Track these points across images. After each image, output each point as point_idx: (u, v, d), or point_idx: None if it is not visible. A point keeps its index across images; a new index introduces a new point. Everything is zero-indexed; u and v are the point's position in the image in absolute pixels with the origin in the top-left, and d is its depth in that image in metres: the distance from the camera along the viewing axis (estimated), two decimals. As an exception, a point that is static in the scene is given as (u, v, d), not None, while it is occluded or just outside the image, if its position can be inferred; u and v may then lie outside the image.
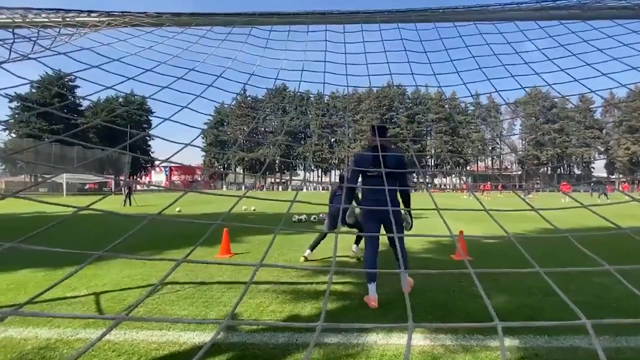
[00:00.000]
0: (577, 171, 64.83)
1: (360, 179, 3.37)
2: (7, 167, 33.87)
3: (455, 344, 2.29)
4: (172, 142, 1.24)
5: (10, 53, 1.57)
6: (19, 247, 0.63)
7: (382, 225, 3.27)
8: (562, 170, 65.04)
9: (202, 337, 2.40)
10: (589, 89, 1.67)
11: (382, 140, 3.25)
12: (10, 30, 1.76)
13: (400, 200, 3.21)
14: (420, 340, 2.34)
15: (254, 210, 13.77)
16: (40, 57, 1.49)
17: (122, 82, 1.39)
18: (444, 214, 0.96)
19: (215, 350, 2.17)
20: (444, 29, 1.99)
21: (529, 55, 1.93)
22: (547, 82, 1.76)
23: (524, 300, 3.20)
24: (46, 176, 25.81)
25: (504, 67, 1.88)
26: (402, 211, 3.28)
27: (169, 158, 1.13)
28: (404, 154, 3.45)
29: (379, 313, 2.87)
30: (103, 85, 1.32)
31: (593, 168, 62.77)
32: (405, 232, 3.26)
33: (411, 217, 3.28)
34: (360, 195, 3.88)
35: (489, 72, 1.85)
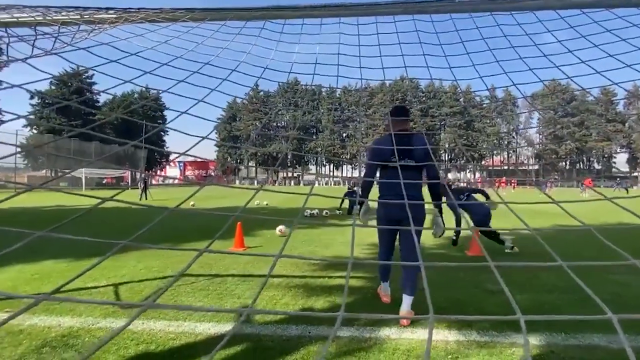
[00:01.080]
0: (597, 166, 62.83)
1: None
2: (29, 162, 35.02)
3: (470, 340, 2.28)
4: (186, 134, 1.26)
5: (32, 49, 1.62)
6: (47, 237, 0.66)
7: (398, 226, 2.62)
8: (581, 165, 63.17)
9: (217, 328, 2.45)
10: (611, 81, 1.61)
11: (404, 125, 2.84)
12: (32, 27, 1.81)
13: (427, 194, 2.82)
14: (433, 335, 2.33)
15: (267, 204, 13.89)
16: (61, 53, 1.53)
17: (139, 76, 1.42)
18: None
19: (229, 342, 2.22)
20: (460, 21, 1.95)
21: (548, 47, 1.88)
22: (566, 75, 1.70)
23: (540, 298, 3.14)
24: (66, 171, 26.61)
25: (521, 59, 1.83)
26: (432, 212, 2.74)
27: (184, 152, 1.15)
28: (428, 139, 2.86)
29: (392, 308, 2.87)
30: (121, 80, 1.35)
31: (614, 162, 60.70)
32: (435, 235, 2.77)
33: (442, 219, 2.68)
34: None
35: (506, 64, 1.81)
